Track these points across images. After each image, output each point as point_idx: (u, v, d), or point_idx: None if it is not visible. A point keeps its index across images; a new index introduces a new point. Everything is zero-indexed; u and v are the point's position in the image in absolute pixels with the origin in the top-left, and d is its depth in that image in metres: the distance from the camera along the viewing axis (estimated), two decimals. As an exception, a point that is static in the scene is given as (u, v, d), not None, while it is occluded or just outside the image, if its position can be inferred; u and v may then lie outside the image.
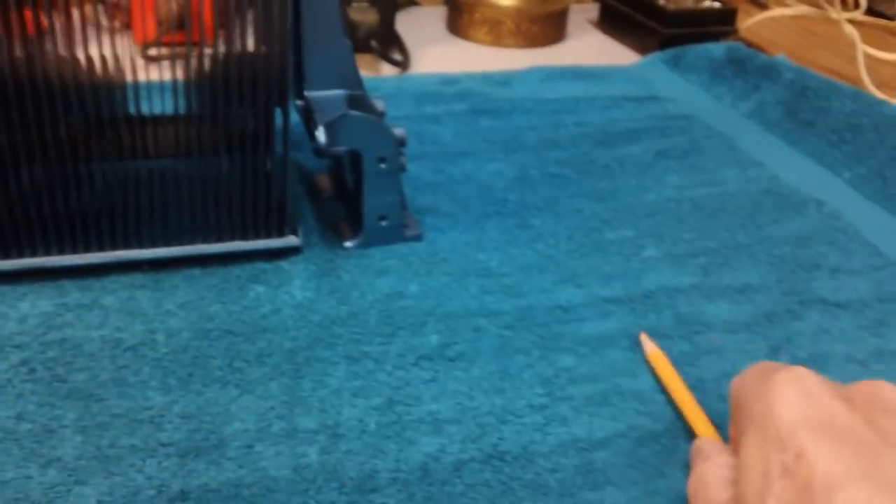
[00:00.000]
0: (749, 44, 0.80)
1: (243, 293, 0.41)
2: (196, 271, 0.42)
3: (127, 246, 0.41)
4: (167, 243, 0.42)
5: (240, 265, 0.43)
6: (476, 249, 0.47)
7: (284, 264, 0.43)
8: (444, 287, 0.43)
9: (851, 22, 0.81)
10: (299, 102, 0.47)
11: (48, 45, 0.38)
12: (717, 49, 0.74)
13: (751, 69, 0.70)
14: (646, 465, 0.33)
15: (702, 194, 0.54)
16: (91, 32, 0.39)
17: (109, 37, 0.41)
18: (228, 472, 0.32)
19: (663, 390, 0.37)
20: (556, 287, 0.44)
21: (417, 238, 0.47)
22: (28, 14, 0.37)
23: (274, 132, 0.42)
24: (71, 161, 0.40)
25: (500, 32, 0.81)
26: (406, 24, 0.82)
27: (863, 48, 0.75)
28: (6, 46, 0.37)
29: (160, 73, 0.40)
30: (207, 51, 0.40)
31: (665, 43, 0.79)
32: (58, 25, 0.38)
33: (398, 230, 0.46)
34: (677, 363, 0.38)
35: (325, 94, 0.45)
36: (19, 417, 0.33)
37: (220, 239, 0.43)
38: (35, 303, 0.39)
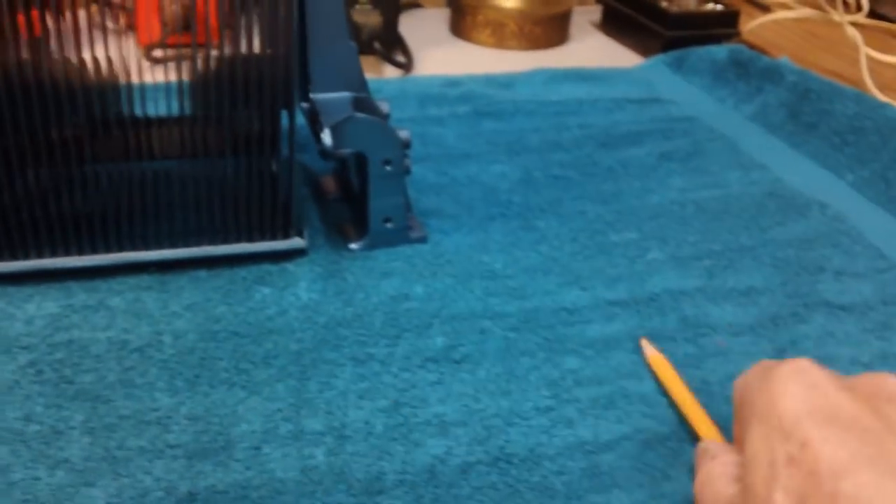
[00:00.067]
0: (752, 46, 0.80)
1: (249, 295, 0.41)
2: (202, 273, 0.42)
3: (133, 247, 0.42)
4: (173, 245, 0.42)
5: (245, 267, 0.43)
6: (480, 251, 0.47)
7: (290, 266, 0.44)
8: (449, 289, 0.43)
9: (854, 24, 0.81)
10: (304, 104, 0.47)
11: (54, 47, 0.38)
12: (719, 51, 0.74)
13: (754, 72, 0.70)
14: (652, 469, 0.34)
15: (705, 197, 0.54)
16: (97, 35, 0.39)
17: (116, 38, 0.41)
18: (236, 473, 0.32)
19: (666, 394, 0.37)
20: (561, 289, 0.44)
21: (422, 240, 0.47)
22: (34, 15, 0.37)
23: (280, 134, 0.42)
24: (77, 162, 0.40)
25: (503, 34, 0.81)
26: (409, 25, 0.82)
27: (865, 51, 0.75)
28: (13, 48, 0.37)
29: (166, 75, 0.40)
30: (213, 52, 0.40)
31: (668, 45, 0.79)
32: (63, 27, 0.38)
33: (403, 232, 0.46)
34: (682, 366, 0.38)
35: (331, 97, 0.45)
36: (27, 419, 0.33)
37: (225, 240, 0.43)
38: (42, 304, 0.39)
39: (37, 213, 0.40)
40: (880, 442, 0.25)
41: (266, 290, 0.42)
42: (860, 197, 0.56)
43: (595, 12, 0.92)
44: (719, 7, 0.83)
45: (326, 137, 0.43)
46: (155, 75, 0.41)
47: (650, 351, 0.39)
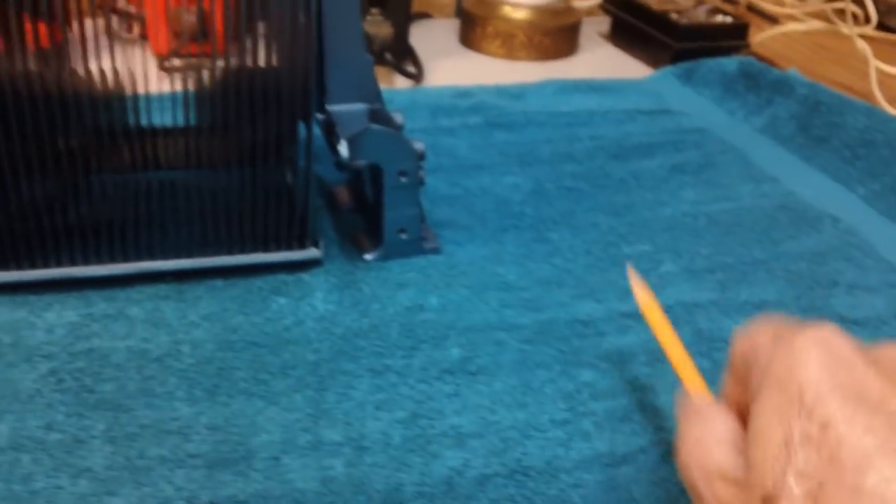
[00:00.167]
0: (761, 58, 0.80)
1: (266, 305, 0.41)
2: (218, 282, 0.43)
3: (151, 257, 0.42)
4: (190, 254, 0.42)
5: (261, 277, 0.43)
6: (494, 263, 0.47)
7: (305, 276, 0.44)
8: (464, 300, 0.43)
9: (862, 37, 0.81)
10: (320, 115, 0.47)
11: (70, 57, 0.38)
12: (729, 63, 0.74)
13: (764, 84, 0.70)
14: (669, 482, 0.34)
15: (717, 209, 0.55)
16: (114, 44, 0.40)
17: (131, 48, 0.41)
18: (256, 483, 0.32)
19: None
20: (575, 301, 0.44)
21: (436, 251, 0.47)
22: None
23: (297, 145, 0.42)
24: (96, 172, 0.40)
25: (512, 45, 0.82)
26: (419, 36, 0.82)
27: (875, 64, 0.76)
28: (35, 58, 0.38)
29: (184, 85, 0.41)
30: (232, 62, 0.40)
31: (677, 57, 0.79)
32: (79, 35, 0.38)
33: (417, 243, 0.47)
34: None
35: (347, 108, 0.45)
36: (49, 427, 0.33)
37: (242, 250, 0.43)
38: (61, 313, 0.39)
39: (57, 222, 0.40)
40: None
41: (282, 301, 0.42)
42: (871, 210, 0.56)
43: (604, 23, 0.92)
44: (728, 19, 0.83)
45: (343, 149, 0.43)
46: (169, 85, 0.42)
47: (640, 291, 0.37)
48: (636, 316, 0.43)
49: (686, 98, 0.73)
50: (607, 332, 0.42)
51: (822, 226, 0.53)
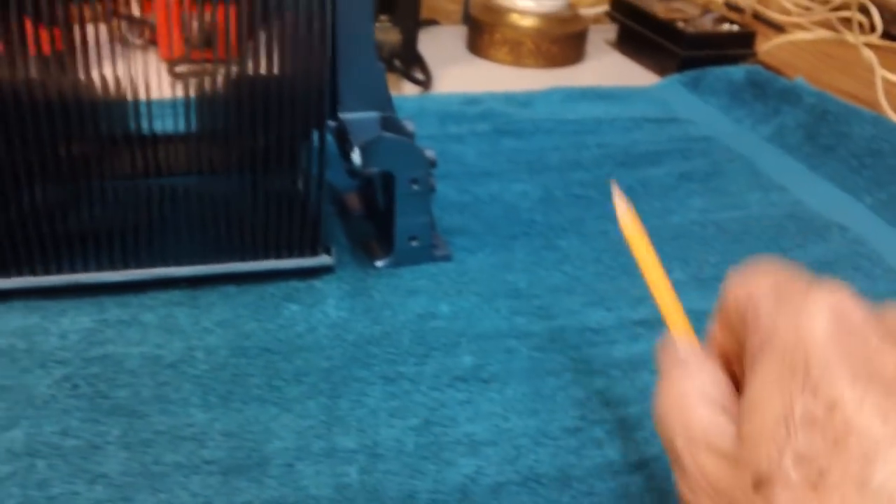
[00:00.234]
0: (767, 67, 0.80)
1: (278, 311, 0.42)
2: (231, 289, 0.43)
3: (164, 263, 0.42)
4: (203, 261, 0.43)
5: (274, 283, 0.43)
6: (504, 270, 0.47)
7: (317, 283, 0.44)
8: (475, 308, 0.44)
9: (868, 45, 0.82)
10: (332, 123, 0.47)
11: (83, 63, 0.39)
12: (736, 72, 0.74)
13: (771, 93, 0.71)
14: (681, 490, 0.34)
15: (725, 218, 0.55)
16: (128, 50, 0.40)
17: (143, 54, 0.41)
18: (271, 489, 0.32)
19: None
20: (586, 309, 0.44)
21: (446, 258, 0.47)
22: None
23: (310, 152, 0.42)
24: (110, 178, 0.40)
25: (520, 52, 0.82)
26: (426, 43, 0.82)
27: (881, 73, 0.76)
28: (49, 63, 0.38)
29: (198, 91, 0.41)
30: (247, 69, 0.41)
31: (683, 65, 0.79)
32: (97, 40, 0.39)
33: (428, 250, 0.47)
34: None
35: (359, 116, 0.46)
36: (64, 433, 0.33)
37: (255, 257, 0.43)
38: (76, 319, 0.39)
39: (71, 229, 0.40)
40: None
41: (295, 307, 0.42)
42: (879, 220, 0.56)
43: (611, 31, 0.93)
44: (735, 27, 0.83)
45: (356, 156, 0.43)
46: (183, 92, 0.42)
47: (624, 215, 0.33)
48: (647, 324, 0.43)
49: (693, 106, 0.73)
50: (618, 339, 0.42)
51: (830, 235, 0.53)
